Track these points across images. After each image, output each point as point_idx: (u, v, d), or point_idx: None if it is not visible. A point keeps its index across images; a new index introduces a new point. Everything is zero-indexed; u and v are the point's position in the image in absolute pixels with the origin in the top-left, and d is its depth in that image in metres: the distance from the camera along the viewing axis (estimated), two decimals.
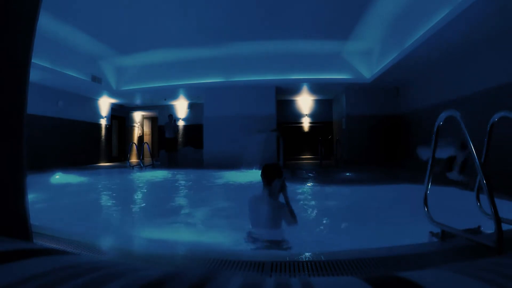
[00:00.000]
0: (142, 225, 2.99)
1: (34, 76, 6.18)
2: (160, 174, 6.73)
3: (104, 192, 4.85)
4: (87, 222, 2.85)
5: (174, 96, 9.81)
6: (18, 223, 0.62)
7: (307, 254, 1.43)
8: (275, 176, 2.09)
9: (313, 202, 3.81)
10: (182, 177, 6.34)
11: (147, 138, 13.19)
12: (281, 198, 2.13)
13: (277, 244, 1.99)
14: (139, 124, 12.70)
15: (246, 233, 2.11)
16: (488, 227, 1.60)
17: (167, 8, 5.46)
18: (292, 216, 2.06)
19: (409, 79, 6.89)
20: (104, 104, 9.94)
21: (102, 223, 3.05)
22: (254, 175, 5.90)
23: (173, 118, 9.76)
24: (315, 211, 3.31)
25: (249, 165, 6.68)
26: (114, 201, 4.11)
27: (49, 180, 5.43)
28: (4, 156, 0.60)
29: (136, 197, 4.58)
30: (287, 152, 8.42)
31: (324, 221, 2.94)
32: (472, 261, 0.30)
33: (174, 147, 9.63)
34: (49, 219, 2.14)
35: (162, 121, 10.68)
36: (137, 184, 5.74)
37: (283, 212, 2.06)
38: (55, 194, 4.35)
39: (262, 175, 2.13)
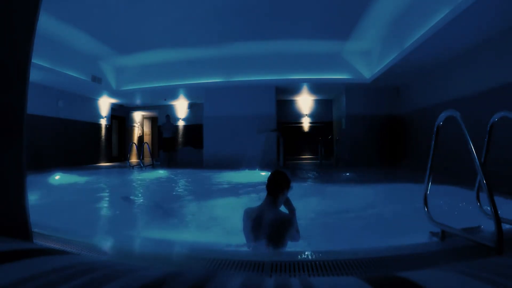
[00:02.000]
0: (142, 224, 2.99)
1: (34, 76, 6.18)
2: (160, 175, 6.73)
3: (105, 193, 4.84)
4: (88, 222, 2.85)
5: (174, 96, 9.82)
6: (18, 223, 0.62)
7: (307, 254, 1.43)
8: (284, 187, 1.87)
9: (313, 202, 3.80)
10: (182, 177, 6.34)
11: (147, 138, 13.19)
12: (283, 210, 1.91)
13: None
14: (139, 124, 12.70)
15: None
16: (488, 227, 1.60)
17: (167, 8, 5.46)
18: (297, 232, 1.87)
19: (409, 79, 6.89)
20: (104, 104, 9.94)
21: (102, 223, 3.05)
22: (254, 175, 5.91)
23: (170, 118, 9.82)
24: (314, 211, 3.31)
25: (249, 165, 6.68)
26: (114, 201, 4.11)
27: (49, 180, 5.43)
28: (4, 156, 0.60)
29: (137, 197, 4.58)
30: (287, 152, 8.42)
31: (323, 221, 2.93)
32: (472, 261, 0.30)
33: (172, 147, 9.70)
34: (49, 220, 2.13)
35: (162, 121, 10.68)
36: (138, 184, 5.74)
37: (292, 227, 1.80)
38: (55, 194, 4.35)
39: (271, 184, 1.86)
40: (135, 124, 12.32)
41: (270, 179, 1.89)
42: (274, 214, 1.82)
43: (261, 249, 1.78)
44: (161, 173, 6.94)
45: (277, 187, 1.87)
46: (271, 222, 1.77)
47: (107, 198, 4.40)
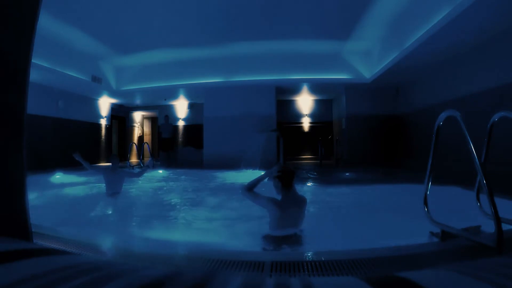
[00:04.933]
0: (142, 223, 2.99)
1: (34, 76, 6.18)
2: (160, 175, 6.73)
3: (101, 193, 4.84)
4: (88, 222, 2.85)
5: (174, 96, 9.82)
6: (18, 223, 0.62)
7: (307, 254, 1.43)
8: (294, 177, 2.19)
9: (312, 202, 3.80)
10: (182, 177, 6.34)
11: (147, 138, 13.18)
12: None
13: (295, 236, 2.04)
14: (139, 124, 12.70)
15: (262, 238, 2.06)
16: (488, 227, 1.60)
17: (167, 8, 5.46)
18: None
19: (409, 79, 6.89)
20: (104, 104, 9.93)
21: (102, 223, 3.05)
22: (255, 175, 5.90)
23: (169, 119, 9.91)
24: (315, 211, 3.31)
25: (249, 165, 6.68)
26: (113, 201, 4.10)
27: (49, 180, 5.43)
28: (4, 156, 0.60)
29: (137, 196, 4.58)
30: (287, 152, 8.42)
31: (324, 220, 2.93)
32: (472, 261, 0.30)
33: (171, 147, 9.76)
34: (49, 220, 2.13)
35: (161, 121, 10.70)
36: (138, 183, 5.73)
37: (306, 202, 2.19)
38: (56, 194, 4.35)
39: (288, 179, 2.10)
40: (135, 124, 12.32)
41: (286, 175, 2.10)
42: (298, 200, 2.13)
43: (278, 233, 2.00)
44: (161, 172, 6.95)
45: (292, 179, 2.11)
46: (300, 209, 2.11)
47: (106, 198, 4.39)
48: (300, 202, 2.14)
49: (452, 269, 0.27)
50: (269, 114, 8.12)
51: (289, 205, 2.07)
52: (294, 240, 2.01)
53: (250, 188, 2.12)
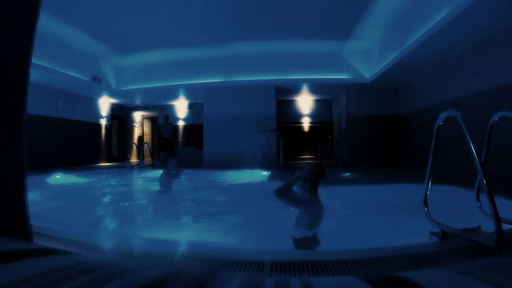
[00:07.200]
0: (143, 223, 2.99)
1: (34, 76, 6.18)
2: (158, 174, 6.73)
3: (106, 192, 4.84)
4: (89, 222, 2.85)
5: (174, 96, 9.82)
6: (18, 223, 0.62)
7: (307, 254, 1.42)
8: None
9: None
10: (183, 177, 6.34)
11: (147, 138, 13.18)
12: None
13: (314, 237, 2.03)
14: (139, 124, 12.70)
15: (293, 238, 2.02)
16: (488, 227, 1.60)
17: (167, 8, 5.46)
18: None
19: (409, 79, 6.89)
20: (104, 104, 9.93)
21: (103, 223, 3.05)
22: (256, 175, 5.91)
23: (169, 119, 9.92)
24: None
25: (249, 165, 6.68)
26: (114, 201, 4.11)
27: (49, 180, 5.43)
28: (4, 157, 0.60)
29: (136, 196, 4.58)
30: (287, 152, 8.42)
31: (324, 220, 2.93)
32: (472, 261, 0.30)
33: (171, 146, 9.78)
34: (50, 220, 2.13)
35: (162, 121, 10.71)
36: (138, 183, 5.73)
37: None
38: (56, 194, 4.35)
39: (317, 182, 2.09)
40: (135, 124, 12.32)
41: (320, 176, 2.08)
42: (320, 200, 2.10)
43: (304, 233, 2.00)
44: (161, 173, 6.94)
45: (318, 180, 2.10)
46: (323, 209, 2.09)
47: (107, 198, 4.40)
48: (321, 202, 2.15)
49: (452, 269, 0.27)
50: (269, 114, 8.12)
51: (319, 204, 2.10)
52: (316, 239, 2.02)
53: (283, 192, 2.04)
